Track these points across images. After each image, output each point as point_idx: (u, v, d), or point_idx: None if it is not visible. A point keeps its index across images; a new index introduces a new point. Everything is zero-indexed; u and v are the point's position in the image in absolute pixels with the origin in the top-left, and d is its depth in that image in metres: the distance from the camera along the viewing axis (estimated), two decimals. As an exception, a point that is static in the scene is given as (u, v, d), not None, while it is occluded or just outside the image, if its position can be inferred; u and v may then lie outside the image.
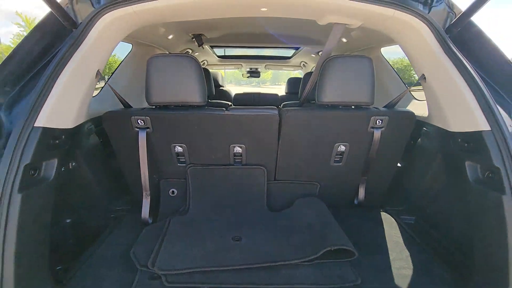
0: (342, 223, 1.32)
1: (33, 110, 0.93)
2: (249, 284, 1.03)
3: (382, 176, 1.56)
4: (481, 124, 0.98)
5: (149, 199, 1.44)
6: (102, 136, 1.46)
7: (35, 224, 0.94)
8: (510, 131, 0.98)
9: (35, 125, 0.92)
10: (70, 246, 1.23)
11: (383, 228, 1.44)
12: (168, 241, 1.22)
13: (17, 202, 0.86)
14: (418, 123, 1.45)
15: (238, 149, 1.43)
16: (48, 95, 0.97)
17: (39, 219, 0.96)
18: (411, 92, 2.04)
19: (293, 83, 3.30)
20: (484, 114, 0.98)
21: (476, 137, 1.00)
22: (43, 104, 0.95)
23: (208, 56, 3.53)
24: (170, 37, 2.12)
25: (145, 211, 1.44)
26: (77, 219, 1.27)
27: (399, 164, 1.63)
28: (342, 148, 1.43)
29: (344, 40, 2.17)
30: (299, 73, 4.73)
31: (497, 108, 0.97)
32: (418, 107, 1.66)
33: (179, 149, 1.41)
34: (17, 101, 1.03)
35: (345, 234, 1.24)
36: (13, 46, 24.68)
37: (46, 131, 0.95)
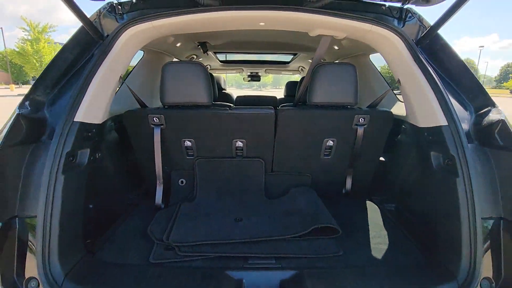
0: (331, 210, 1.52)
1: (72, 108, 1.14)
2: (248, 254, 1.23)
3: (366, 169, 1.76)
4: (441, 120, 1.18)
5: (162, 187, 1.65)
6: (120, 132, 1.67)
7: (73, 201, 1.14)
8: (467, 126, 1.18)
9: (74, 120, 1.13)
10: (95, 225, 1.43)
11: (367, 213, 1.64)
12: (179, 221, 1.42)
13: (61, 182, 1.06)
14: (398, 122, 1.65)
15: (239, 144, 1.64)
16: (83, 96, 1.18)
17: (76, 197, 1.17)
18: (398, 94, 2.24)
19: (290, 86, 3.52)
20: (443, 112, 1.18)
21: (437, 131, 1.21)
22: (80, 103, 1.16)
23: (211, 61, 3.75)
24: (178, 44, 2.34)
25: (159, 198, 1.64)
26: (100, 203, 1.47)
27: (382, 158, 1.83)
28: (330, 143, 1.64)
29: (336, 47, 2.38)
30: (299, 77, 4.95)
31: (453, 107, 1.17)
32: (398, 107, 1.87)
33: (188, 143, 1.62)
34: (55, 100, 1.24)
35: (333, 217, 1.44)
36: (18, 50, 24.91)
37: (82, 125, 1.16)
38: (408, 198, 1.58)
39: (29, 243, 1.04)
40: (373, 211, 1.65)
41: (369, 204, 1.74)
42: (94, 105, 1.25)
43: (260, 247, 1.27)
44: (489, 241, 1.06)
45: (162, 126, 1.54)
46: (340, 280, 1.07)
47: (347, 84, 1.50)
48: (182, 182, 1.75)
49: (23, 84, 60.44)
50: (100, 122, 1.32)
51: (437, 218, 1.24)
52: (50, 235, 1.03)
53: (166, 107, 1.57)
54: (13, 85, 36.85)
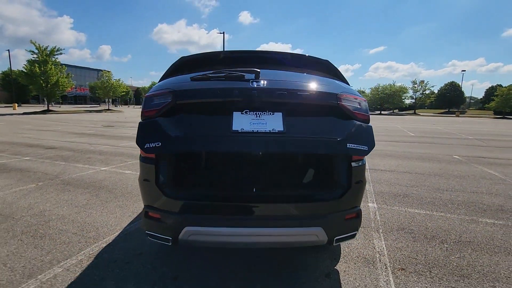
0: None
1: None
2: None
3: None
4: None
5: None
6: None
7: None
8: None
9: None
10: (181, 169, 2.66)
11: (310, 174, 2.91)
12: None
13: None
14: None
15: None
16: None
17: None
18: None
19: None
20: None
21: None
22: None
23: None
24: None
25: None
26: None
27: None
28: None
29: None
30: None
31: None
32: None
33: None
34: None
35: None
36: (26, 71, 26.36)
37: None
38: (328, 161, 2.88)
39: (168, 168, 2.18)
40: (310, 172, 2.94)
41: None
42: None
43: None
44: (344, 170, 2.24)
45: None
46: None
47: None
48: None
49: (22, 103, 61.72)
50: None
51: (332, 165, 2.47)
52: (172, 163, 2.22)
53: None
54: (15, 104, 38.06)
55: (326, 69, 2.54)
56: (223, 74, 1.96)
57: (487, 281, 2.16)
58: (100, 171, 5.49)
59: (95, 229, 2.95)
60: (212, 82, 1.94)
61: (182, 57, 2.44)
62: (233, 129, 1.78)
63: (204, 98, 1.89)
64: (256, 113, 1.84)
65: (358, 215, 2.04)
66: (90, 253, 2.49)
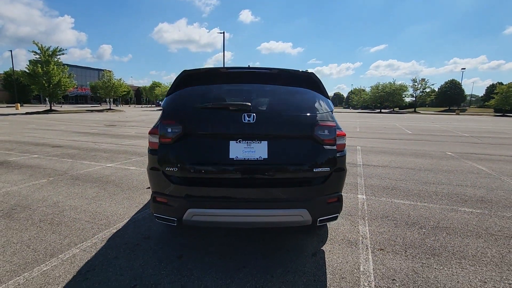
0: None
1: None
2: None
3: None
4: None
5: None
6: None
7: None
8: None
9: None
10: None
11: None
12: None
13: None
14: None
15: None
16: None
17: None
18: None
19: None
20: None
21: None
22: None
23: None
24: None
25: None
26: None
27: None
28: None
29: None
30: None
31: None
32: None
33: None
34: None
35: None
36: (29, 71, 26.60)
37: None
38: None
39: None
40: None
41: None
42: None
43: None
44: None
45: None
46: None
47: None
48: None
49: (24, 103, 62.20)
50: None
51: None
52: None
53: None
54: (18, 104, 38.43)
55: (310, 82, 2.71)
56: (222, 106, 2.34)
57: (455, 258, 2.44)
58: (106, 167, 5.79)
59: (105, 218, 3.25)
60: (213, 115, 2.31)
61: (185, 70, 2.67)
62: (229, 157, 2.18)
63: (207, 130, 2.29)
64: (247, 142, 2.23)
65: (339, 199, 2.32)
66: (103, 237, 2.78)
